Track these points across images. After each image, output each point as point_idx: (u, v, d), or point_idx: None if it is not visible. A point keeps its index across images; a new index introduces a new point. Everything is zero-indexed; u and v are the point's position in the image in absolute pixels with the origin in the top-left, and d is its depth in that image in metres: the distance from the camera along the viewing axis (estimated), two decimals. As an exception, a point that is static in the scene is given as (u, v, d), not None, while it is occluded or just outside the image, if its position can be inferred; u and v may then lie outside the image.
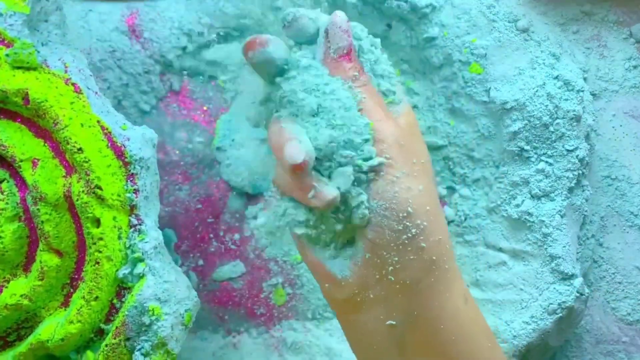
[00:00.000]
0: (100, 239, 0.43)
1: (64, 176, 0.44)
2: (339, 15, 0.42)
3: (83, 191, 0.43)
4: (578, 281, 0.51)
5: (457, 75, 0.53)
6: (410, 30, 0.53)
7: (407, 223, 0.39)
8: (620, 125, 0.56)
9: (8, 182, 0.44)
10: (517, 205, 0.52)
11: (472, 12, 0.52)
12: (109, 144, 0.44)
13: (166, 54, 0.53)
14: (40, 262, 0.43)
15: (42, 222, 0.43)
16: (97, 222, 0.43)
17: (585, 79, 0.55)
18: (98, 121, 0.44)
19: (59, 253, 0.43)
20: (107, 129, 0.44)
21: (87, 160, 0.43)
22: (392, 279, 0.40)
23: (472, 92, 0.53)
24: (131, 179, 0.43)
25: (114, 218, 0.43)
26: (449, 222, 0.55)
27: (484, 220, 0.54)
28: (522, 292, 0.52)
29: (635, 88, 0.56)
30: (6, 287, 0.43)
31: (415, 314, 0.40)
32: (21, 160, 0.43)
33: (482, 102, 0.53)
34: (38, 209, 0.43)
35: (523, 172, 0.52)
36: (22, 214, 0.44)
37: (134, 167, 0.44)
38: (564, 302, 0.51)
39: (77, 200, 0.43)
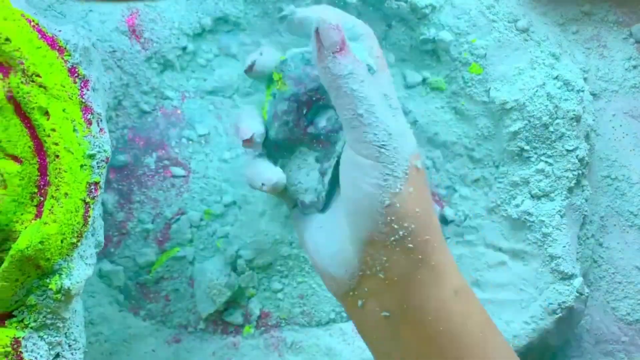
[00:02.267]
0: (53, 129, 0.40)
1: (1, 79, 0.41)
2: (327, 11, 0.42)
3: (22, 82, 0.40)
4: (578, 281, 0.51)
5: (457, 75, 0.53)
6: (410, 30, 0.53)
7: (395, 226, 0.41)
8: (620, 125, 0.56)
9: None
10: (517, 205, 0.52)
11: (472, 12, 0.52)
12: (40, 36, 0.41)
13: (166, 54, 0.53)
14: None
15: None
16: (46, 114, 0.41)
17: (585, 79, 0.55)
18: (22, 14, 0.41)
19: (16, 159, 0.41)
20: (33, 21, 0.42)
21: (17, 49, 0.40)
22: (382, 275, 0.41)
23: (472, 92, 0.53)
24: (74, 70, 0.41)
25: (64, 110, 0.41)
26: (449, 222, 0.55)
27: (484, 220, 0.54)
28: (522, 292, 0.52)
29: (635, 88, 0.56)
30: None
31: (404, 307, 0.42)
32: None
33: (482, 102, 0.53)
34: None
35: (523, 172, 0.52)
36: None
37: (74, 57, 0.41)
38: (563, 302, 0.51)
39: (18, 93, 0.40)
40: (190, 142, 0.54)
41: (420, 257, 0.41)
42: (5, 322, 0.42)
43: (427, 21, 0.53)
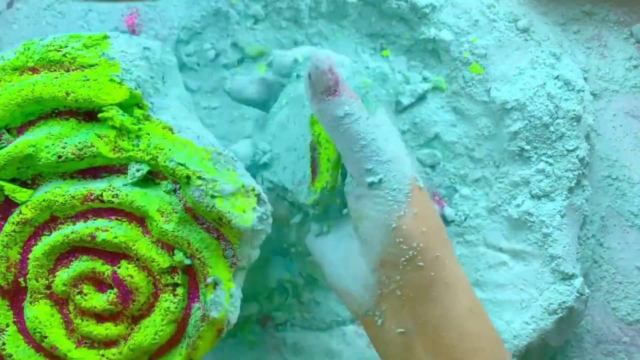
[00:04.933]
0: None
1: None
2: (318, 57, 0.43)
3: None
4: (578, 281, 0.51)
5: (458, 75, 0.53)
6: (410, 30, 0.53)
7: (404, 247, 0.42)
8: (621, 125, 0.56)
9: (184, 288, 0.44)
10: (518, 205, 0.52)
11: (472, 11, 0.52)
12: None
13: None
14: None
15: (201, 336, 0.44)
16: None
17: (585, 78, 0.55)
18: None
19: None
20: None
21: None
22: (399, 293, 0.43)
23: (472, 92, 0.53)
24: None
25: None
26: (450, 222, 0.55)
27: (484, 220, 0.54)
28: (522, 292, 0.52)
29: (635, 88, 0.56)
30: None
31: (420, 322, 0.43)
32: (205, 279, 0.44)
33: (482, 102, 0.53)
34: (202, 327, 0.44)
35: (523, 172, 0.52)
36: (180, 320, 0.44)
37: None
38: (564, 302, 0.51)
39: None
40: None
41: (432, 274, 0.43)
42: None
43: (428, 21, 0.52)
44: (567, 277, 0.51)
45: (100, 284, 0.44)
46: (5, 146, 0.44)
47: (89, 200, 0.43)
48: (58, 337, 0.44)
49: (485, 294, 0.53)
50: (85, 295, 0.44)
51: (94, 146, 0.43)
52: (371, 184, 0.42)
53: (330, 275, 0.46)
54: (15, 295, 0.45)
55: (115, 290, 0.44)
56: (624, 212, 0.55)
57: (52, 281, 0.44)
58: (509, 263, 0.53)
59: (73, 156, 0.43)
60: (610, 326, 0.55)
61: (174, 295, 0.44)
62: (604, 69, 0.56)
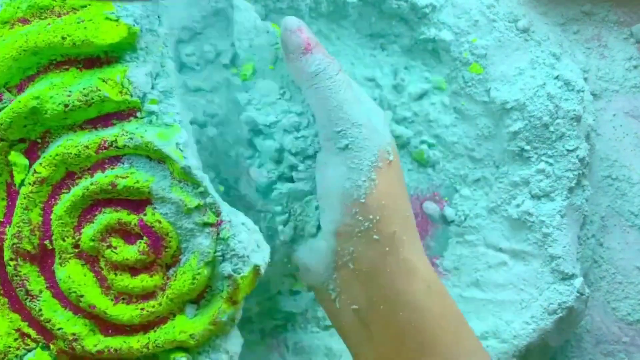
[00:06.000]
0: None
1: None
2: (287, 20, 0.44)
3: None
4: (578, 281, 0.51)
5: (458, 75, 0.53)
6: (410, 30, 0.53)
7: (360, 217, 0.42)
8: (621, 125, 0.56)
9: (216, 227, 0.42)
10: (518, 205, 0.52)
11: (472, 12, 0.52)
12: None
13: (166, 53, 0.53)
14: (219, 309, 0.42)
15: (240, 281, 0.42)
16: None
17: (585, 79, 0.55)
18: None
19: (234, 303, 0.43)
20: None
21: None
22: (352, 266, 0.43)
23: (472, 92, 0.53)
24: None
25: None
26: (450, 222, 0.55)
27: (484, 220, 0.54)
28: (522, 292, 0.52)
29: (635, 88, 0.56)
30: (172, 320, 0.43)
31: (374, 299, 0.42)
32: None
33: (482, 102, 0.53)
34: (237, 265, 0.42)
35: (523, 172, 0.52)
36: (216, 262, 0.42)
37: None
38: (564, 302, 0.51)
39: None
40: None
41: (387, 249, 0.42)
42: None
43: (427, 21, 0.52)
44: (567, 277, 0.51)
45: (128, 235, 0.42)
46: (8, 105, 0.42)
47: (103, 148, 0.42)
48: (95, 295, 0.42)
49: (485, 294, 0.53)
50: (115, 248, 0.42)
51: (100, 90, 0.41)
52: (338, 149, 0.42)
53: (297, 254, 0.46)
54: (44, 260, 0.43)
55: (145, 238, 0.42)
56: (624, 212, 0.55)
57: (79, 239, 0.42)
58: (508, 263, 0.53)
59: (80, 103, 0.41)
60: (610, 326, 0.55)
61: (207, 234, 0.42)
62: (604, 69, 0.56)
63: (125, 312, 0.42)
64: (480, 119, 0.53)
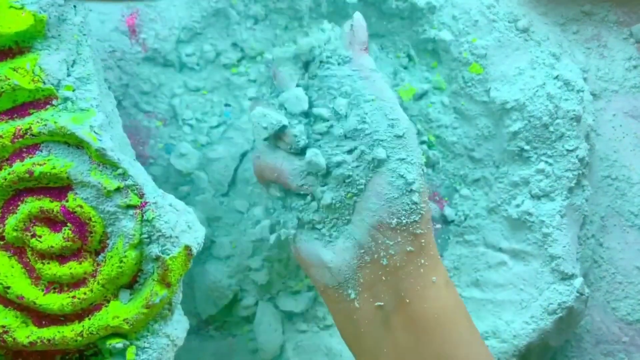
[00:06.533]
0: None
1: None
2: (359, 16, 0.47)
3: None
4: (578, 281, 0.51)
5: (457, 75, 0.53)
6: (410, 30, 0.53)
7: (414, 207, 0.43)
8: (620, 125, 0.56)
9: (139, 209, 0.42)
10: (517, 205, 0.52)
11: (472, 12, 0.52)
12: None
13: (166, 54, 0.53)
14: (151, 292, 0.42)
15: (169, 262, 0.42)
16: None
17: (585, 79, 0.55)
18: None
19: (168, 285, 0.42)
20: None
21: None
22: (385, 262, 0.43)
23: (472, 92, 0.53)
24: None
25: None
26: (450, 222, 0.55)
27: (484, 220, 0.54)
28: (522, 292, 0.52)
29: (635, 88, 0.56)
30: (106, 307, 0.42)
31: (402, 295, 0.43)
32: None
33: (482, 102, 0.53)
34: (165, 246, 0.42)
35: (523, 172, 0.52)
36: (143, 244, 0.42)
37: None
38: (564, 302, 0.51)
39: None
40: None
41: (422, 244, 0.44)
42: None
43: (427, 21, 0.52)
44: (567, 277, 0.51)
45: (53, 223, 0.42)
46: None
47: (18, 136, 0.42)
48: (23, 286, 0.42)
49: (485, 294, 0.53)
50: (40, 237, 0.42)
51: (9, 78, 0.41)
52: (396, 136, 0.44)
53: (302, 251, 0.45)
54: None
55: (69, 225, 0.42)
56: (623, 212, 0.55)
57: (3, 230, 0.42)
58: (508, 263, 0.53)
59: None
60: (610, 326, 0.55)
61: (131, 217, 0.42)
62: (604, 69, 0.56)
63: (55, 301, 0.42)
64: (480, 119, 0.53)
